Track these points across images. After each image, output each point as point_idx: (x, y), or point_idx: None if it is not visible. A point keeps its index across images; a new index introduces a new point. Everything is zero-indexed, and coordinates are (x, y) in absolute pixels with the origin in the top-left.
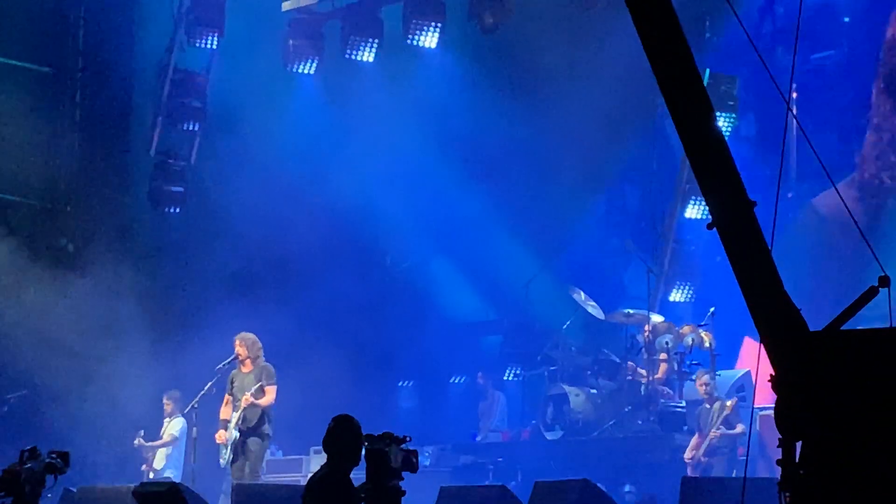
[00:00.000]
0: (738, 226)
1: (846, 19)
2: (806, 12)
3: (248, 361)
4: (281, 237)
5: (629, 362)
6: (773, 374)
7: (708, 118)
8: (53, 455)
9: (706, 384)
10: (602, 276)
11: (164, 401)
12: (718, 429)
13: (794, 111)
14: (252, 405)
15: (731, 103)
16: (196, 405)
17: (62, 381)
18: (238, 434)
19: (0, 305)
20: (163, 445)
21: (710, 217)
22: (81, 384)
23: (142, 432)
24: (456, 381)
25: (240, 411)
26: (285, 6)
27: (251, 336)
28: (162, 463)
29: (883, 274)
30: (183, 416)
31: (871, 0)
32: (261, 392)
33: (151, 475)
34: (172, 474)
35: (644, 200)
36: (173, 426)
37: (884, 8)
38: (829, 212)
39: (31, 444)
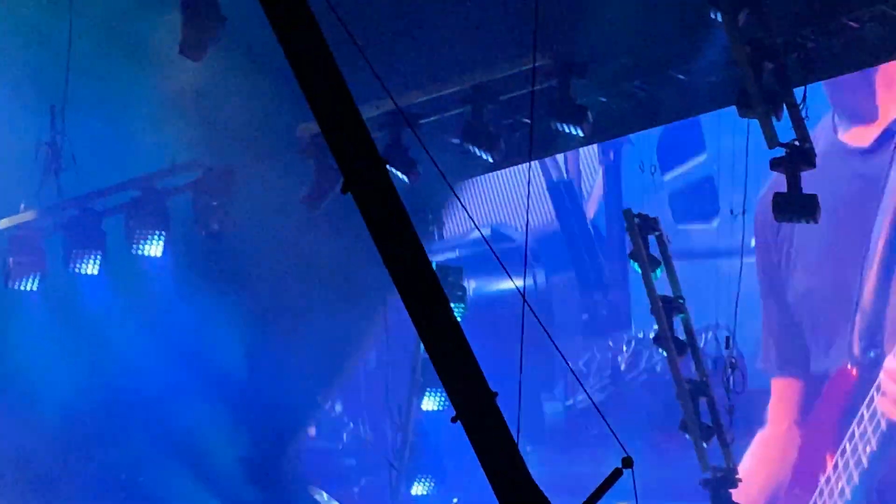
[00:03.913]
0: (481, 417)
1: None
2: None
3: None
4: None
5: None
6: None
7: (444, 309)
8: None
9: None
10: (346, 475)
11: None
12: None
13: None
14: None
15: (460, 293)
16: None
17: None
18: None
19: None
20: None
21: (449, 408)
22: None
23: None
24: None
25: None
26: (2, 223)
27: None
28: None
29: (626, 455)
30: None
31: None
32: None
33: None
34: None
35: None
36: None
37: None
38: None
39: None
